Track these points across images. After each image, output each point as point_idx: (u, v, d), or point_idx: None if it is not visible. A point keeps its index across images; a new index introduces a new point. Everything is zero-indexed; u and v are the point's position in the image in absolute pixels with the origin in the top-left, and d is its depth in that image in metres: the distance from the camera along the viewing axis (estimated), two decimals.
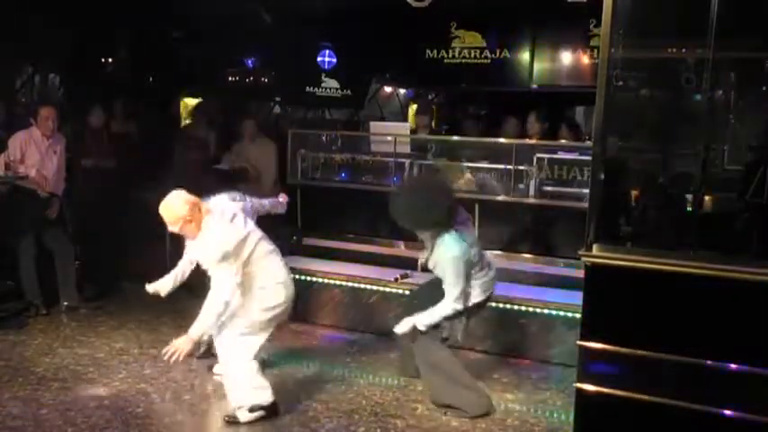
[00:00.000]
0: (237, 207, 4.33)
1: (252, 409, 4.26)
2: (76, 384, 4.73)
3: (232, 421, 4.27)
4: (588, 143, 6.08)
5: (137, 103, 8.31)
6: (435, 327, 4.47)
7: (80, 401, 4.46)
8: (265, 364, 4.67)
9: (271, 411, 4.31)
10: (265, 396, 4.30)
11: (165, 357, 4.00)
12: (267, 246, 4.34)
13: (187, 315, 6.07)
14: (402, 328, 4.51)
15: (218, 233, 4.11)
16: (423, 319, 4.42)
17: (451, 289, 4.34)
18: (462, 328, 4.57)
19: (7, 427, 4.07)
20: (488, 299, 4.66)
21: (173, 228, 4.18)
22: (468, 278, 4.41)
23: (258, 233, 4.32)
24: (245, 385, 4.27)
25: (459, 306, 4.38)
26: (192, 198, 4.18)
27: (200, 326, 4.06)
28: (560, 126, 7.21)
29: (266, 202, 4.83)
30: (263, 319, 4.28)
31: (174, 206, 4.13)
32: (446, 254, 4.34)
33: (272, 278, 4.29)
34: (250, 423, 4.25)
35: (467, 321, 4.60)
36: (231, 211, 4.26)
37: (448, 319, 4.48)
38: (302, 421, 4.31)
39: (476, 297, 4.50)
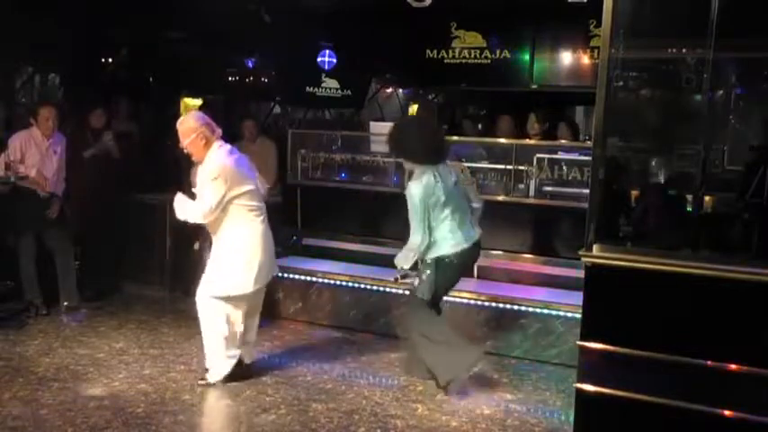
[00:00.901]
0: (247, 163, 4.74)
1: (220, 373, 4.74)
2: (76, 384, 4.73)
3: (205, 384, 4.72)
4: (588, 143, 6.08)
5: (137, 103, 8.31)
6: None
7: (80, 401, 4.45)
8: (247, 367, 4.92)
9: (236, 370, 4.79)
10: (232, 363, 4.75)
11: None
12: (257, 203, 4.65)
13: (186, 316, 6.12)
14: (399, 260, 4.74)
15: (219, 158, 4.51)
16: (400, 257, 4.68)
17: (411, 223, 4.58)
18: (429, 285, 4.62)
19: (7, 427, 4.07)
20: (461, 260, 4.67)
21: (185, 141, 4.53)
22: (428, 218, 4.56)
23: (252, 185, 4.62)
24: (219, 353, 4.71)
25: (418, 240, 4.54)
26: (208, 119, 4.59)
27: (179, 210, 4.56)
28: (558, 125, 7.21)
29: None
30: (234, 282, 4.60)
31: (191, 119, 4.57)
32: (408, 189, 4.57)
33: (248, 235, 4.59)
34: (248, 417, 4.30)
35: (434, 277, 4.62)
36: (238, 153, 4.65)
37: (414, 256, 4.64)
38: (302, 421, 4.31)
39: (440, 250, 4.57)
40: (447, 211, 4.55)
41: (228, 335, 4.70)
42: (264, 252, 4.68)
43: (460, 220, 4.66)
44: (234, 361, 4.77)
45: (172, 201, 4.62)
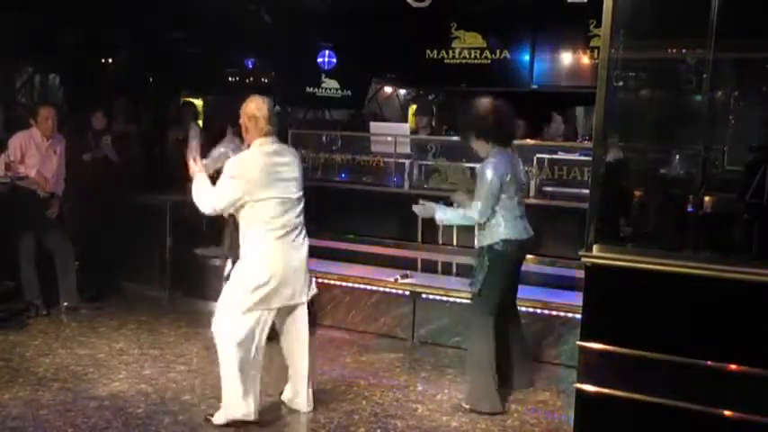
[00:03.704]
0: (289, 170, 4.20)
1: (230, 414, 4.14)
2: (76, 384, 4.72)
3: (208, 419, 4.21)
4: (588, 143, 6.08)
5: (136, 103, 8.32)
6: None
7: (80, 401, 4.45)
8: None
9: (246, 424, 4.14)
10: (248, 407, 4.10)
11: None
12: (280, 214, 4.09)
13: (187, 316, 6.13)
14: (419, 210, 4.70)
15: (249, 156, 4.15)
16: (441, 213, 4.59)
17: (476, 198, 4.47)
18: (482, 279, 4.45)
19: (7, 428, 4.07)
20: (517, 252, 4.54)
21: (242, 119, 4.22)
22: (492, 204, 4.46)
23: (279, 195, 4.10)
24: (233, 390, 4.08)
25: (476, 215, 4.43)
26: (265, 113, 4.15)
27: (194, 189, 4.20)
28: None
29: None
30: (246, 289, 4.07)
31: (249, 104, 4.20)
32: (485, 165, 4.49)
33: (261, 246, 4.10)
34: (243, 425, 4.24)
35: (487, 267, 4.45)
36: (279, 157, 4.18)
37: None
38: (302, 421, 4.31)
39: (500, 234, 4.46)
40: (514, 197, 4.49)
41: (244, 362, 4.06)
42: (285, 271, 4.12)
43: (521, 210, 4.59)
44: (251, 405, 4.11)
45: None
